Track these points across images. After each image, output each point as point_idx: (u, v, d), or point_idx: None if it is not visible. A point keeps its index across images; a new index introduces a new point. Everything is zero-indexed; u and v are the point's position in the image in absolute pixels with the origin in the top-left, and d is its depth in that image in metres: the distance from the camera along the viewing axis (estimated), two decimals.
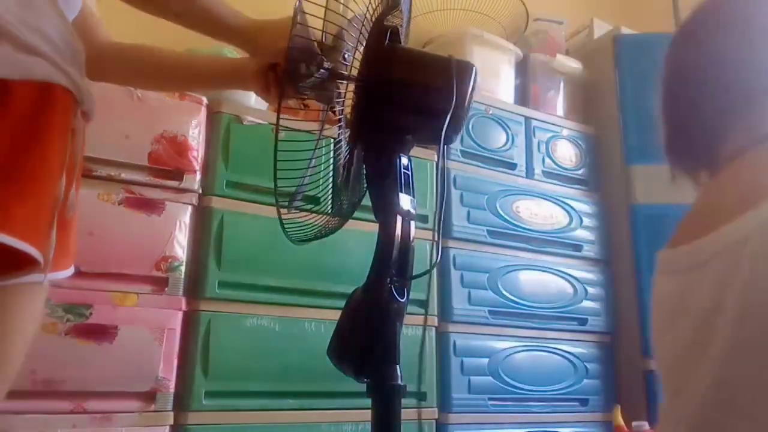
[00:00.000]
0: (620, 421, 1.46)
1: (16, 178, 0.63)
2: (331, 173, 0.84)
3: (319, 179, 0.83)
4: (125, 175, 1.22)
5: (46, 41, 0.67)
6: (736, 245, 0.58)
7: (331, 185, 0.85)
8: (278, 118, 0.71)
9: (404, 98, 0.76)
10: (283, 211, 0.76)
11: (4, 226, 0.59)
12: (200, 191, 1.30)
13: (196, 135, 1.31)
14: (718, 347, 0.57)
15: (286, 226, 0.79)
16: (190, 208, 1.28)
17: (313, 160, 0.79)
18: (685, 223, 0.69)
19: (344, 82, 0.74)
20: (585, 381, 1.69)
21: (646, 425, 1.41)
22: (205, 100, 1.34)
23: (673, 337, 0.65)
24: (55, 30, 0.69)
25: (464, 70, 0.76)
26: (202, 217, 1.30)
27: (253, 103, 1.49)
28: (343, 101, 0.75)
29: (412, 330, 1.46)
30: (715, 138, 0.69)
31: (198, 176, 1.29)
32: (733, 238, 0.58)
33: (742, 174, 0.64)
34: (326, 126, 0.82)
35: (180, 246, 1.24)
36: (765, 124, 0.66)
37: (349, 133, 0.76)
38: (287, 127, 0.76)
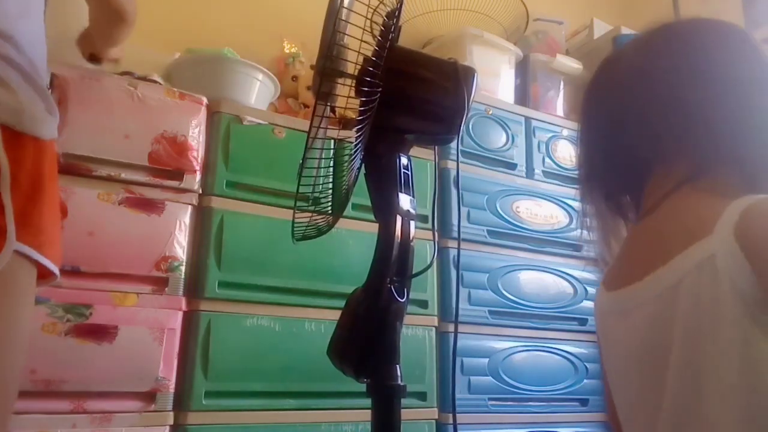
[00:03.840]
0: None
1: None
2: (331, 173, 0.84)
3: (319, 179, 0.83)
4: (125, 175, 1.22)
5: (48, 101, 0.78)
6: (670, 289, 0.60)
7: (330, 185, 0.85)
8: (310, 128, 0.71)
9: (408, 100, 0.76)
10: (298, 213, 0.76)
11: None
12: (200, 191, 1.30)
13: (196, 135, 1.31)
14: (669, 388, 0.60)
15: (296, 227, 0.80)
16: (190, 208, 1.28)
17: (323, 162, 0.79)
18: (630, 260, 0.72)
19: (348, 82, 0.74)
20: (585, 381, 1.69)
21: None
22: (205, 100, 1.34)
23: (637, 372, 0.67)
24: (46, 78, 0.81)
25: (468, 74, 0.77)
26: (202, 217, 1.30)
27: (253, 103, 1.49)
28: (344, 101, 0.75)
29: (412, 330, 1.46)
30: (646, 171, 0.72)
31: (198, 176, 1.29)
32: (667, 282, 0.61)
33: (678, 213, 0.66)
34: (332, 127, 0.82)
35: (180, 246, 1.24)
36: (694, 162, 0.67)
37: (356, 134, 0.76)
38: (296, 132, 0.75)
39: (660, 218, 0.68)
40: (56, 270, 0.78)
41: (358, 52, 0.70)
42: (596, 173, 0.78)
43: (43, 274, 0.76)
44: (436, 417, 1.45)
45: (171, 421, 1.17)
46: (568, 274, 1.75)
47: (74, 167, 1.18)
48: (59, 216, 0.80)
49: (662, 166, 0.71)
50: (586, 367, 1.70)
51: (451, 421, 1.45)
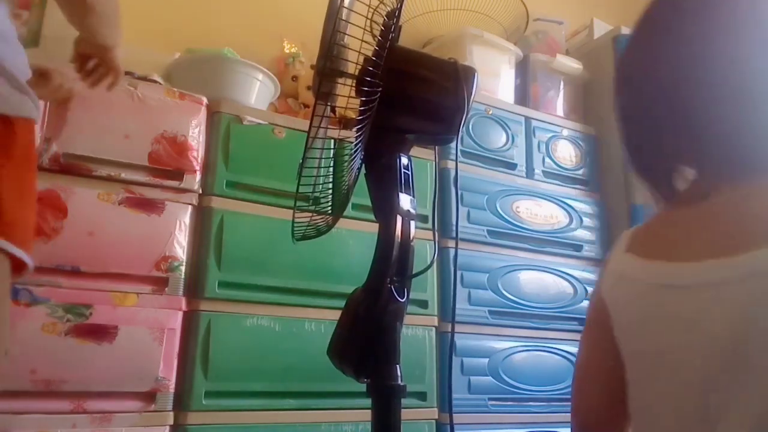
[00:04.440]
0: None
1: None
2: (331, 173, 0.84)
3: (319, 179, 0.82)
4: (125, 175, 1.22)
5: (24, 76, 0.74)
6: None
7: (331, 185, 0.85)
8: (310, 128, 0.71)
9: (408, 100, 0.76)
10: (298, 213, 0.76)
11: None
12: (200, 191, 1.30)
13: (196, 135, 1.31)
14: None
15: (296, 227, 0.80)
16: (190, 208, 1.28)
17: (323, 161, 0.79)
18: (692, 235, 0.64)
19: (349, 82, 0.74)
20: None
21: None
22: (205, 100, 1.34)
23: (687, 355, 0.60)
24: (23, 62, 0.75)
25: (468, 74, 0.77)
26: (202, 217, 1.30)
27: (253, 103, 1.49)
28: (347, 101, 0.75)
29: (413, 330, 1.46)
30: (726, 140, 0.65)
31: (198, 176, 1.29)
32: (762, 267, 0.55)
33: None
34: (332, 127, 0.82)
35: (180, 246, 1.24)
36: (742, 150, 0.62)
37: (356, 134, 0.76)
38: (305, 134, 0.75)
39: (736, 199, 0.61)
40: (30, 261, 0.72)
41: (359, 52, 0.70)
42: (635, 148, 0.72)
43: (16, 267, 0.71)
44: (436, 417, 1.45)
45: (171, 421, 1.17)
46: (568, 274, 1.75)
47: (74, 167, 1.18)
48: (33, 203, 0.75)
49: (700, 153, 0.65)
50: None
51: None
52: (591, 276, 1.80)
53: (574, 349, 1.70)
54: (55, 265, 1.12)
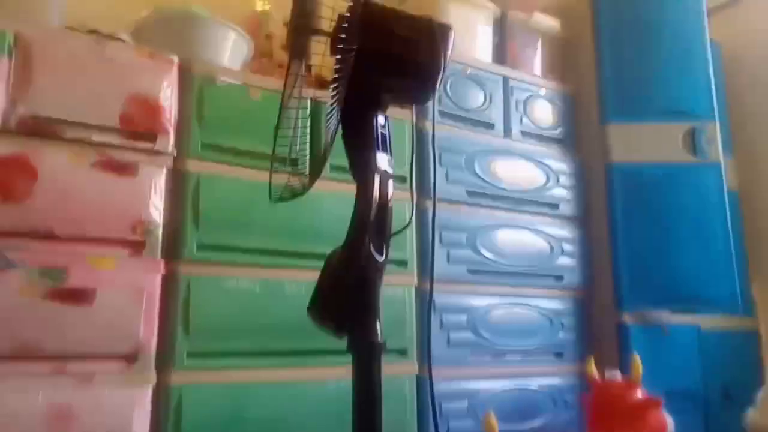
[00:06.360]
0: (593, 371, 1.52)
1: None
2: (308, 134, 0.84)
3: (297, 140, 0.82)
4: (96, 137, 1.19)
5: None
6: None
7: (308, 146, 0.85)
8: (285, 86, 0.70)
9: (384, 58, 0.75)
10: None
11: None
12: (174, 153, 1.28)
13: (168, 95, 1.28)
14: None
15: (273, 188, 0.79)
16: (164, 170, 1.26)
17: (299, 121, 0.78)
18: None
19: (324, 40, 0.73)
20: (560, 335, 1.75)
21: (618, 374, 1.46)
22: (176, 59, 1.31)
23: None
24: None
25: (444, 31, 0.76)
26: (177, 180, 1.28)
27: (225, 62, 1.45)
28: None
29: (392, 289, 1.49)
30: None
31: (172, 138, 1.27)
32: None
33: None
34: (307, 86, 0.81)
35: (156, 209, 1.23)
36: None
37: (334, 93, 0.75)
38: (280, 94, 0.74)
39: None
40: None
41: (333, 9, 0.69)
42: None
43: None
44: (417, 372, 1.49)
45: (154, 381, 1.18)
46: (544, 232, 1.78)
47: (43, 129, 1.15)
48: None
49: None
50: (561, 322, 1.75)
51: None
52: (567, 233, 1.83)
53: (550, 305, 1.75)
54: (29, 228, 1.10)
